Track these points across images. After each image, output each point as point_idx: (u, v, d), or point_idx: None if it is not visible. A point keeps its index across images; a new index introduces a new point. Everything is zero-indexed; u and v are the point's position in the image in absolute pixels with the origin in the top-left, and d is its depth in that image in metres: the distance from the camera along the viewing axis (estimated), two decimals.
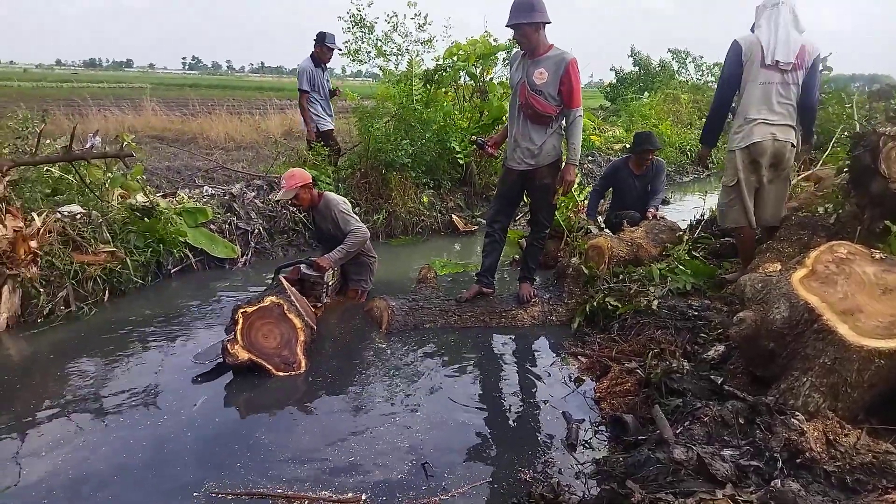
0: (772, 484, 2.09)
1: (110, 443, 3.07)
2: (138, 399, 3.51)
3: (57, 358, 4.07)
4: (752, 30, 4.13)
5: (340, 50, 8.00)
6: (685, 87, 19.50)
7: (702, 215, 6.21)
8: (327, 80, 7.64)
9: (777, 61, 3.98)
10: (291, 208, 6.70)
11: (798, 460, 2.29)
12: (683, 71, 22.44)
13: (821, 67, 11.49)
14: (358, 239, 4.86)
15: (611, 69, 22.90)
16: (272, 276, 4.82)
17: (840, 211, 4.26)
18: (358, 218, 5.14)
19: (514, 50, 4.56)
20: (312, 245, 6.69)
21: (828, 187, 5.01)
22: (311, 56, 7.43)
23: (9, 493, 2.65)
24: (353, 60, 8.53)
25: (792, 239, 4.34)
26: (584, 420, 3.35)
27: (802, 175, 6.21)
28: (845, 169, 4.25)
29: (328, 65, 7.58)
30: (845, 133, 6.65)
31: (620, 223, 5.90)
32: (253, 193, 7.07)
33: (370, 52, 8.40)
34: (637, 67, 21.73)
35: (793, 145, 4.14)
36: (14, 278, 4.44)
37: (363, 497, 2.65)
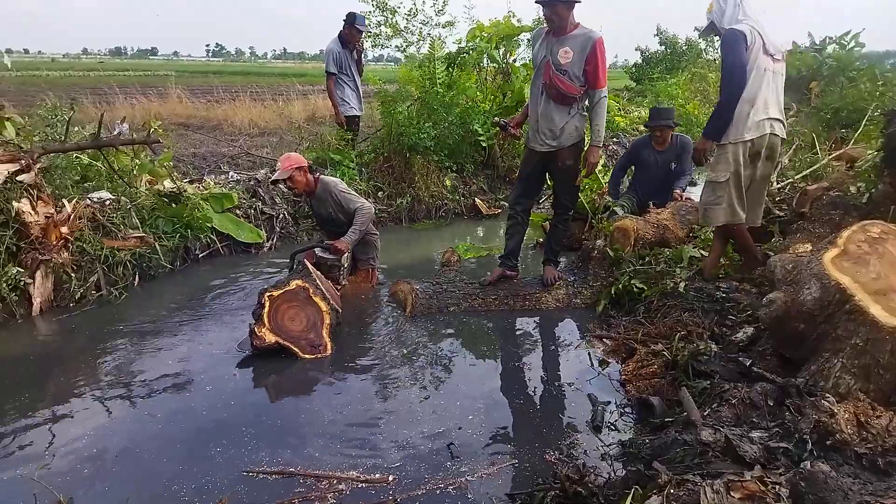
0: (801, 466, 2.06)
1: (140, 423, 3.15)
2: (168, 381, 3.58)
3: (89, 341, 4.16)
4: (728, 20, 3.90)
5: (370, 32, 7.92)
6: (713, 66, 19.09)
7: None
8: (356, 62, 7.46)
9: (776, 50, 3.86)
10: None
11: (828, 442, 2.26)
12: (711, 49, 21.96)
13: (853, 44, 11.19)
14: (367, 215, 4.86)
15: (636, 49, 22.49)
16: (288, 261, 4.85)
17: (873, 190, 4.17)
18: (358, 195, 5.12)
19: (538, 28, 4.50)
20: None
21: (860, 166, 4.90)
22: (338, 37, 7.23)
23: (42, 470, 2.73)
24: (374, 45, 8.50)
25: (823, 219, 4.27)
26: (609, 402, 3.34)
27: (834, 154, 6.08)
28: (879, 148, 4.15)
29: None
30: (878, 111, 6.49)
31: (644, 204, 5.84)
32: None
33: (392, 35, 8.35)
34: (663, 47, 21.31)
35: (782, 139, 3.99)
36: (46, 263, 4.53)
37: (390, 477, 2.69)
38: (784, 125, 3.96)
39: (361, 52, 7.58)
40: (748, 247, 4.27)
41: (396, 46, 8.63)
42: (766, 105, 3.84)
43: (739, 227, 4.14)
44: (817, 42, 14.36)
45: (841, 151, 6.05)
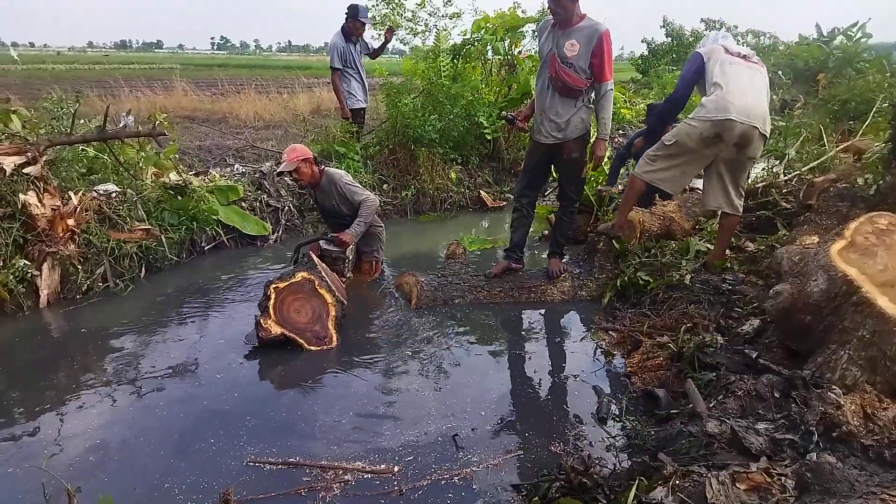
0: (807, 457, 2.06)
1: (147, 415, 3.16)
2: (174, 372, 3.60)
3: (96, 333, 4.17)
4: None
5: (373, 24, 7.89)
6: None
7: None
8: (360, 55, 7.42)
9: (748, 52, 4.00)
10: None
11: (834, 434, 2.26)
12: None
13: (860, 35, 11.12)
14: (371, 208, 4.86)
15: (642, 41, 22.41)
16: (292, 254, 4.86)
17: (881, 182, 4.14)
18: (362, 187, 5.12)
19: (544, 19, 4.48)
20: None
21: (868, 158, 4.87)
22: (341, 30, 7.17)
23: (50, 460, 2.75)
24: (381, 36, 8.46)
25: (831, 211, 4.24)
26: (615, 394, 3.34)
27: (841, 146, 6.04)
28: (887, 139, 4.12)
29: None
30: (886, 103, 6.44)
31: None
32: None
33: (401, 25, 8.33)
34: (669, 38, 21.21)
35: (762, 134, 3.84)
36: (53, 256, 4.55)
37: (396, 468, 2.69)
38: (765, 119, 3.85)
39: (388, 42, 7.61)
40: (625, 204, 4.54)
41: (400, 40, 8.61)
42: (741, 93, 3.78)
43: (638, 185, 4.31)
44: (825, 33, 14.25)
45: (848, 143, 6.02)
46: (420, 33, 8.40)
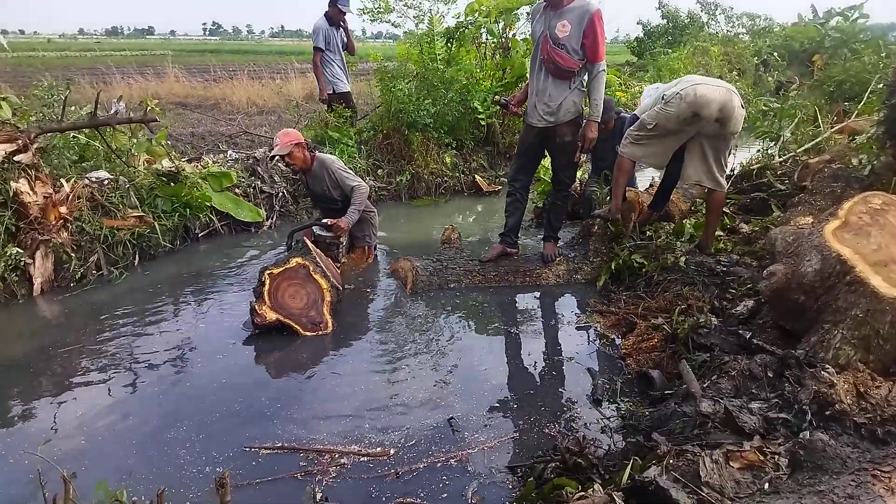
0: (800, 436, 2.07)
1: (141, 401, 3.17)
2: (170, 359, 3.60)
3: (90, 321, 4.16)
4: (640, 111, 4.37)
5: (353, 13, 7.82)
6: (715, 40, 18.88)
7: (732, 170, 6.08)
8: (342, 40, 7.42)
9: None
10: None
11: (827, 413, 2.26)
12: (713, 23, 21.71)
13: (856, 15, 11.08)
14: (364, 195, 4.85)
15: (637, 23, 22.26)
16: (286, 240, 4.84)
17: (875, 162, 4.14)
18: (354, 174, 5.11)
19: (537, 2, 4.44)
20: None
21: (862, 138, 4.87)
22: (325, 15, 7.21)
23: (46, 447, 2.75)
24: (373, 20, 8.36)
25: (825, 191, 4.24)
26: (609, 376, 3.35)
27: (836, 127, 6.03)
28: (881, 120, 4.11)
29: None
30: (881, 84, 6.43)
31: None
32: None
33: (384, 11, 8.23)
34: (665, 20, 21.07)
35: (741, 106, 3.90)
36: (46, 244, 4.53)
37: (391, 451, 2.70)
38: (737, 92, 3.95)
39: (345, 29, 7.52)
40: (617, 188, 4.54)
41: (391, 23, 8.51)
42: (701, 79, 4.02)
43: (626, 165, 4.41)
44: (821, 14, 14.18)
45: (843, 124, 6.01)
46: (410, 17, 8.30)
